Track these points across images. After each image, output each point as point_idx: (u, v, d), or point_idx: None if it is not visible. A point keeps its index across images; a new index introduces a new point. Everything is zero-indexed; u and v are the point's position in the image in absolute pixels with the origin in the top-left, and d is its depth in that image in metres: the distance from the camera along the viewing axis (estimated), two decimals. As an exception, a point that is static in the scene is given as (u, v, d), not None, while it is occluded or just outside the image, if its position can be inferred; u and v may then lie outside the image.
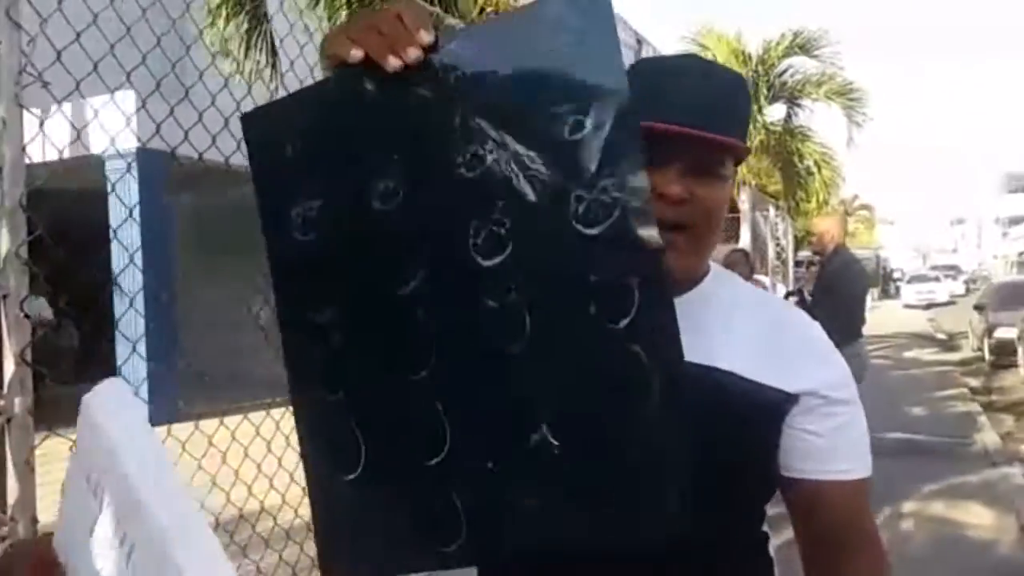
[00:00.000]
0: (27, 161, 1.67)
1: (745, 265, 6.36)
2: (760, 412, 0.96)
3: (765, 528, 1.06)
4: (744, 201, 9.76)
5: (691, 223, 0.94)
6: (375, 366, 0.81)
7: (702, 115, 0.92)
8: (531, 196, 0.73)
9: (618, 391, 0.71)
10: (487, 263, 0.74)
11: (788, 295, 9.99)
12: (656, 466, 0.71)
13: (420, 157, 0.78)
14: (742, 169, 14.88)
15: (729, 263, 6.41)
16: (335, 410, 0.82)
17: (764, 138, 14.68)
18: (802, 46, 14.95)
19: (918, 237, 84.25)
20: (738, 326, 1.00)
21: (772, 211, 11.09)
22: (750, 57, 15.27)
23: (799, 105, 15.54)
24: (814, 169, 15.30)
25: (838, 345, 4.20)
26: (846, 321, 4.91)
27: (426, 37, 0.76)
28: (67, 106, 2.48)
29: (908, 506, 5.31)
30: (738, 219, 10.01)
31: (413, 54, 0.76)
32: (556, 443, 0.73)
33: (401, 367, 0.79)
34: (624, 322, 0.70)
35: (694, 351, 0.94)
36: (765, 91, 14.99)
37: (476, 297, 0.75)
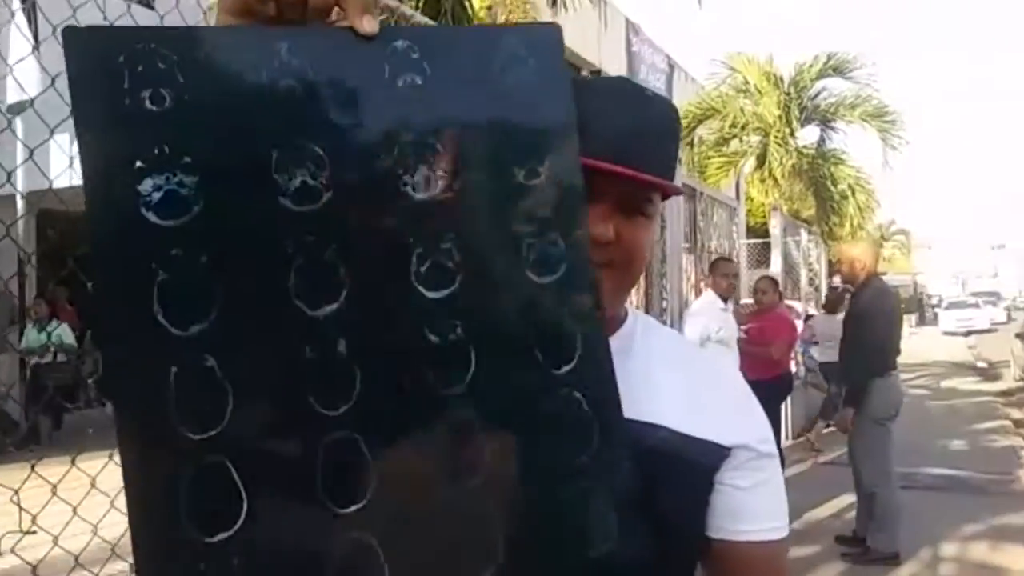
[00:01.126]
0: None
1: (774, 292, 6.15)
2: (693, 467, 0.91)
3: None
4: (775, 226, 9.52)
5: (612, 262, 0.89)
6: (271, 398, 0.66)
7: (633, 150, 0.86)
8: (484, 234, 0.72)
9: (559, 436, 0.73)
10: (431, 295, 0.69)
11: (807, 318, 9.74)
12: (588, 525, 0.73)
13: (354, 157, 0.68)
14: (773, 193, 14.76)
15: (758, 290, 6.25)
16: (199, 454, 0.64)
17: (796, 162, 14.51)
18: (836, 67, 14.83)
19: (957, 263, 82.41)
20: (662, 375, 0.95)
21: (804, 236, 10.81)
22: (782, 80, 15.14)
23: (833, 128, 15.39)
24: (848, 193, 15.07)
25: (870, 379, 4.01)
26: (879, 354, 4.73)
27: (370, 24, 0.68)
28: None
29: (947, 548, 5.06)
30: (769, 245, 9.77)
31: (373, 25, 0.67)
32: (490, 490, 0.70)
33: (313, 401, 0.66)
34: (566, 368, 0.73)
35: None
36: (797, 114, 14.86)
37: (415, 330, 0.69)
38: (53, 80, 2.06)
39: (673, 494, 0.89)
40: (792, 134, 14.80)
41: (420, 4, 6.02)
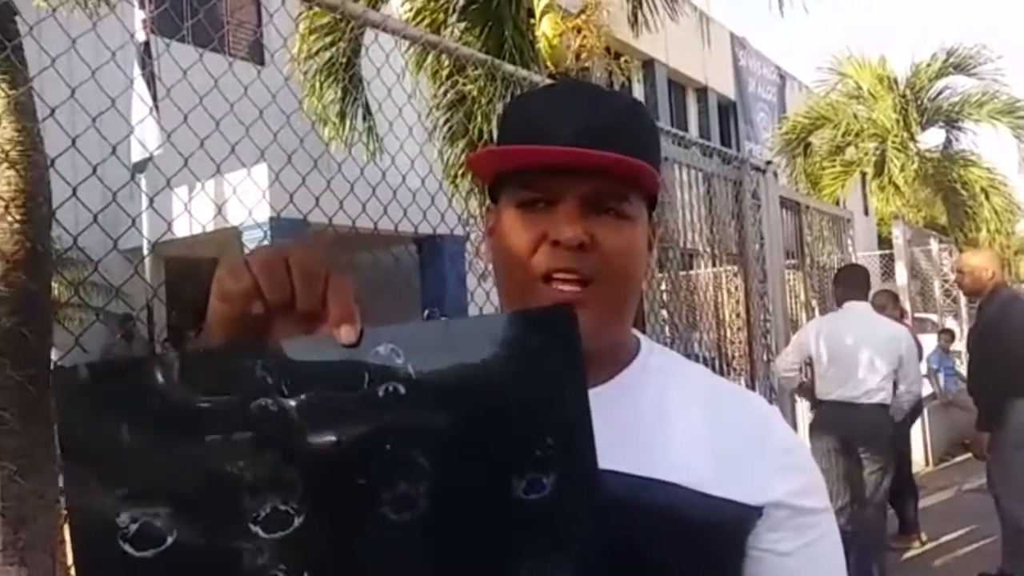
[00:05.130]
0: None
1: (894, 307, 5.70)
2: (714, 532, 0.79)
3: None
4: (898, 236, 8.93)
5: (593, 276, 0.78)
6: None
7: (596, 136, 0.77)
8: (475, 560, 0.63)
9: None
10: None
11: (941, 332, 9.06)
12: None
13: (327, 479, 0.64)
14: (895, 201, 13.95)
15: (876, 306, 5.82)
16: None
17: (919, 167, 13.73)
18: (958, 65, 14.02)
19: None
20: (679, 421, 0.82)
21: (935, 245, 10.08)
22: (897, 82, 14.41)
23: (959, 128, 14.52)
24: (982, 197, 14.11)
25: (1004, 402, 3.48)
26: (1014, 373, 4.23)
27: (348, 335, 0.62)
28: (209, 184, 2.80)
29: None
30: (891, 256, 9.17)
31: (351, 336, 0.62)
32: None
33: None
34: None
35: (624, 458, 0.77)
36: (917, 116, 14.09)
37: None
38: (169, 135, 2.31)
39: (693, 568, 0.79)
40: (912, 138, 14.06)
41: (485, 38, 6.03)
